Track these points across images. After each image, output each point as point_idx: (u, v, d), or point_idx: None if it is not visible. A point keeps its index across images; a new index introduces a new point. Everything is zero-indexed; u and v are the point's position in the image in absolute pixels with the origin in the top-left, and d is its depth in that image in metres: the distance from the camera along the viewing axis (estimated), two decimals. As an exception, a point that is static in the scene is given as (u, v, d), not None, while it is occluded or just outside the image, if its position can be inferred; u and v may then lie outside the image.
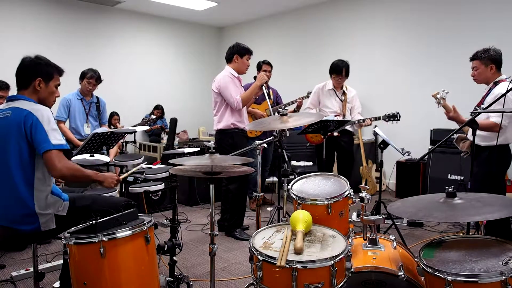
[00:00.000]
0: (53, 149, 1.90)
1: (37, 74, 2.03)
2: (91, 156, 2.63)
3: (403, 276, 1.70)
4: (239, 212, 3.72)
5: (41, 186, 1.97)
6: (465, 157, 2.98)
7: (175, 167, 2.18)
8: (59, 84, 2.15)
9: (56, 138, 1.93)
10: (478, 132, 2.86)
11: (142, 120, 5.93)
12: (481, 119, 2.76)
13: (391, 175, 5.45)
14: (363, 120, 3.87)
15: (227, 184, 3.69)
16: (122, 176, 2.23)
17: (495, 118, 2.75)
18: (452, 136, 2.93)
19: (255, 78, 3.58)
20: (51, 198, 2.00)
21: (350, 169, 4.17)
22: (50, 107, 2.11)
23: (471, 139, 2.90)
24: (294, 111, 4.53)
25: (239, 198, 3.67)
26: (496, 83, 2.89)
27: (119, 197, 2.70)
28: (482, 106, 2.87)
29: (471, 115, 2.56)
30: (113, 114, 6.69)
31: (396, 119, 3.71)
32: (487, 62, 2.90)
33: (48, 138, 1.90)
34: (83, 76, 3.93)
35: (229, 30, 8.67)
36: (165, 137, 7.05)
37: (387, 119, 3.73)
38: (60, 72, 2.14)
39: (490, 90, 2.91)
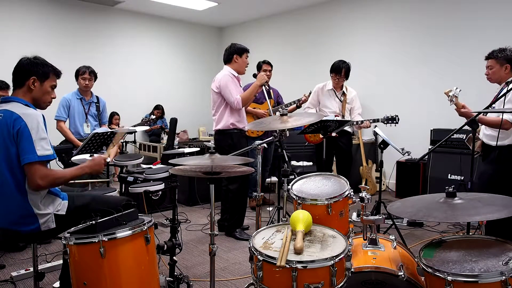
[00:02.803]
0: (37, 161, 1.85)
1: (32, 73, 2.00)
2: (91, 156, 2.62)
3: (403, 276, 1.70)
4: (240, 212, 3.72)
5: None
6: (476, 156, 2.98)
7: (175, 167, 2.18)
8: (55, 85, 2.10)
9: (43, 148, 1.88)
10: (489, 131, 2.87)
11: (142, 120, 5.92)
12: (491, 116, 2.76)
13: (391, 175, 5.44)
14: (362, 122, 3.88)
15: (227, 184, 3.69)
16: (110, 155, 2.19)
17: (506, 116, 2.74)
18: (452, 136, 2.93)
19: (254, 76, 3.59)
20: (48, 198, 1.99)
21: (349, 169, 4.17)
22: (44, 108, 2.09)
23: (483, 139, 2.91)
24: (297, 106, 4.61)
25: (239, 198, 3.67)
26: (508, 83, 2.89)
27: (119, 196, 2.70)
28: (493, 106, 2.87)
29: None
30: (114, 114, 6.69)
31: (394, 122, 3.72)
32: (502, 61, 2.89)
33: (34, 148, 1.85)
34: (77, 74, 3.93)
35: (229, 30, 8.66)
36: (165, 137, 7.05)
37: (385, 122, 3.74)
38: (57, 73, 2.10)
39: (501, 90, 2.91)
